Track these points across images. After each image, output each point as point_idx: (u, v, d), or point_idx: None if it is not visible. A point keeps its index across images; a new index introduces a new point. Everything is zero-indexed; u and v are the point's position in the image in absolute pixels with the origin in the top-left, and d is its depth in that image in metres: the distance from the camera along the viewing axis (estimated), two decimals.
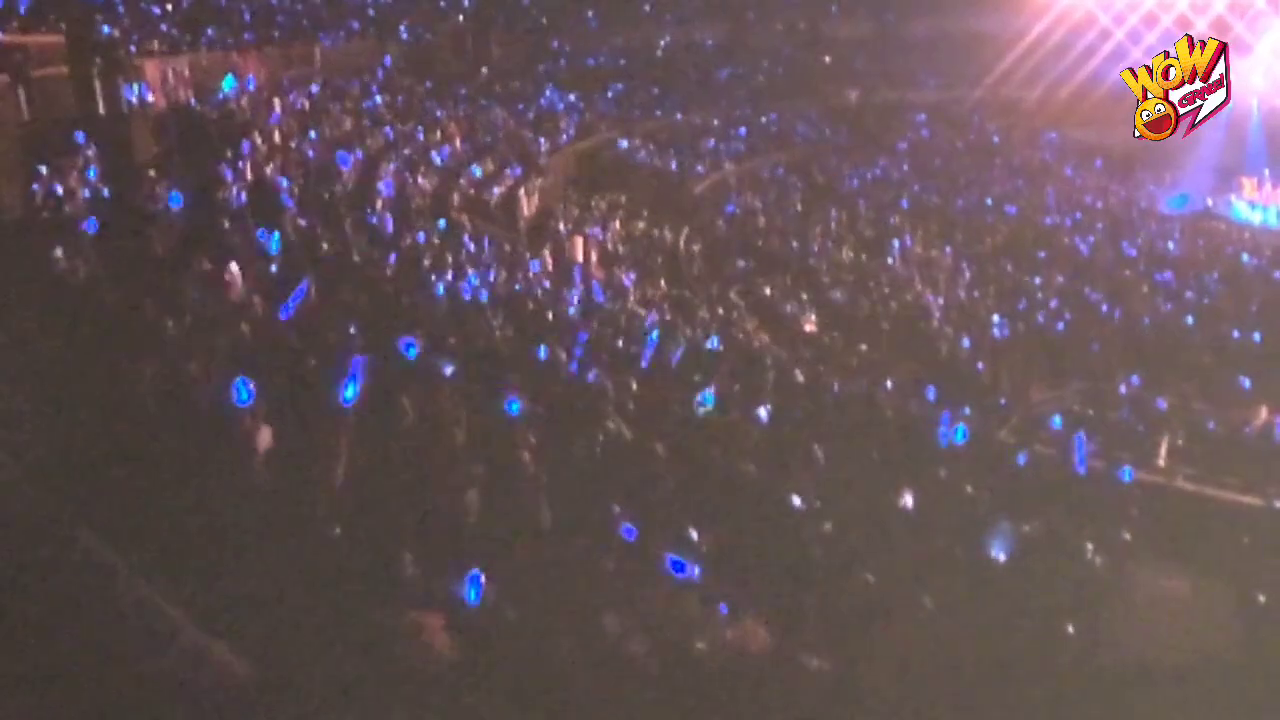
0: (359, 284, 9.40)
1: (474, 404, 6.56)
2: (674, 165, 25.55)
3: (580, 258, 16.14)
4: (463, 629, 4.16)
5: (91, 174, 10.34)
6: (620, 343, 11.06)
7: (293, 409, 5.59)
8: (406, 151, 17.77)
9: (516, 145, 21.86)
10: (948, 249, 22.71)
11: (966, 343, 15.27)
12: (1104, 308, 18.17)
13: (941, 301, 18.23)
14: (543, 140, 22.99)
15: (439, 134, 19.99)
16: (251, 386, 5.30)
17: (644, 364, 9.99)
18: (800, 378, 11.37)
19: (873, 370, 13.39)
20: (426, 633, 4.06)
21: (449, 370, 7.08)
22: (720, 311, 16.04)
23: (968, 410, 10.72)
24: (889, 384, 11.98)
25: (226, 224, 9.49)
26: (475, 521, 5.32)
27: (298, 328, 7.47)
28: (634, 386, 8.69)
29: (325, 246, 10.41)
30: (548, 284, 13.79)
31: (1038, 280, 20.23)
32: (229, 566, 4.29)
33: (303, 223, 10.86)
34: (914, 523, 6.47)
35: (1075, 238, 24.60)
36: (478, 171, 18.94)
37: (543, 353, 8.76)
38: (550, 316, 11.35)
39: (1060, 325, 17.07)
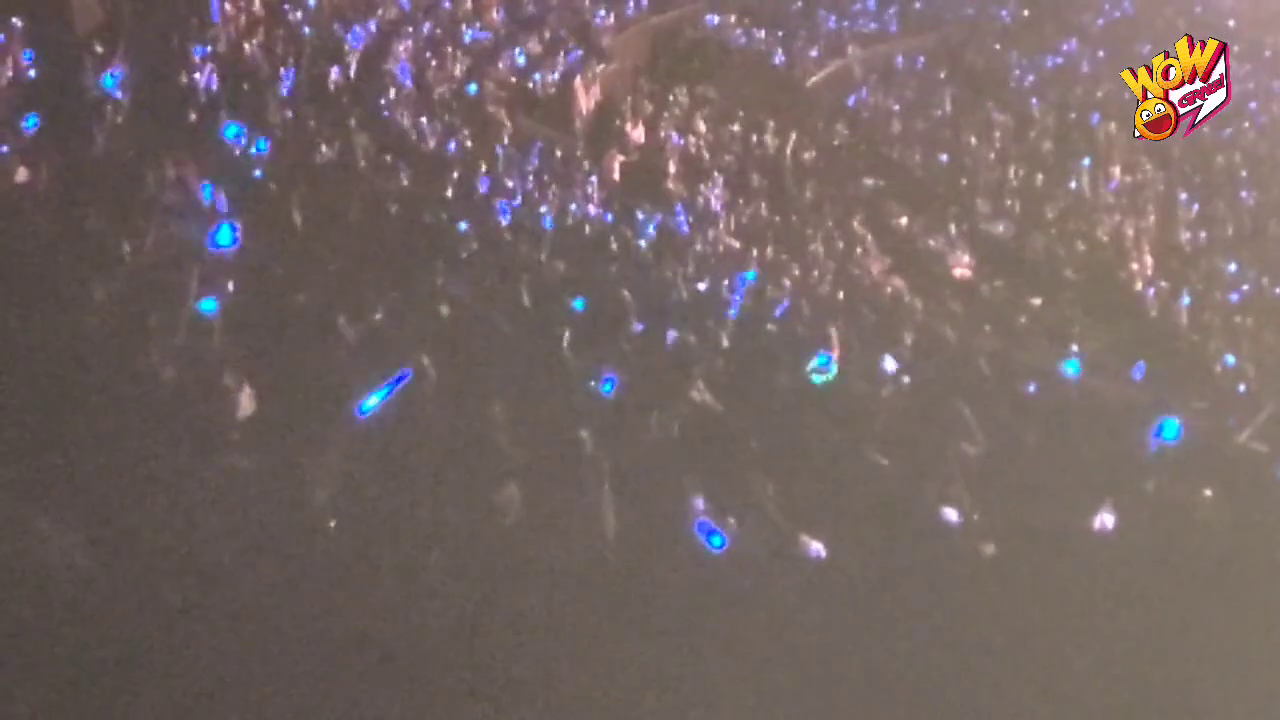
0: (366, 200, 9.48)
1: (518, 363, 6.58)
2: (779, 50, 25.21)
3: (654, 170, 16.06)
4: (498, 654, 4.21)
5: (27, 57, 10.57)
6: (706, 285, 11.00)
7: (279, 368, 5.66)
8: (429, 25, 17.80)
9: (572, 19, 21.74)
10: (1159, 171, 21.99)
11: (1186, 302, 14.81)
12: None
13: (1150, 243, 17.71)
14: (606, 13, 22.83)
15: (470, 3, 19.97)
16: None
17: (734, 313, 9.95)
18: (949, 338, 11.20)
19: (1051, 334, 13.13)
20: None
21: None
22: (840, 246, 15.88)
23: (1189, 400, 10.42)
24: (1074, 352, 11.71)
25: (193, 116, 9.62)
26: (515, 522, 5.34)
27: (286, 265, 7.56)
28: (724, 344, 8.67)
29: (323, 150, 10.51)
30: (611, 204, 13.76)
31: None
32: (200, 562, 4.41)
33: (292, 116, 10.99)
34: (1112, 552, 6.29)
35: None
36: (521, 55, 18.90)
37: (604, 298, 8.75)
38: (614, 247, 11.33)
39: None
